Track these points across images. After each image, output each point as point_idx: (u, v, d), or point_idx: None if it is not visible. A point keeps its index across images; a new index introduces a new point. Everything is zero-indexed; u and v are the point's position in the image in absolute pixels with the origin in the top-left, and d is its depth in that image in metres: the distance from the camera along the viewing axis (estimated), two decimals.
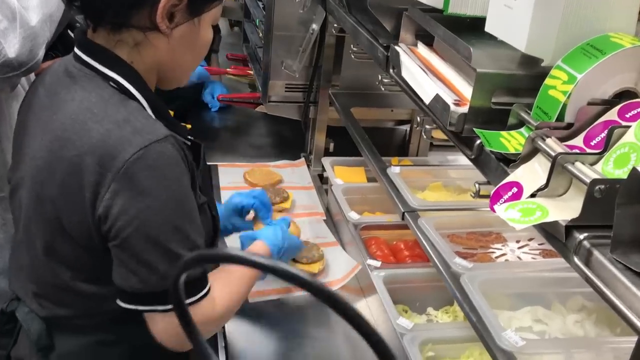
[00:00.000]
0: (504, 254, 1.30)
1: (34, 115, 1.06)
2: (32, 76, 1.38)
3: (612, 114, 0.77)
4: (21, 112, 1.12)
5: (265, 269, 0.38)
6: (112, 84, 0.98)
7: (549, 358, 1.00)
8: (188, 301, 0.99)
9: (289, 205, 1.87)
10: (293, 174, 2.08)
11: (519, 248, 1.33)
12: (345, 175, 1.90)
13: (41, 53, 1.26)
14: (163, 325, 0.99)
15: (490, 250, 1.31)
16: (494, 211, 0.75)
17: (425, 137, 1.28)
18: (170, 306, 0.95)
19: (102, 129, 0.93)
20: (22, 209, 1.06)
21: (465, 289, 1.06)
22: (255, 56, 2.27)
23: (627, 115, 0.75)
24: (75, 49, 1.02)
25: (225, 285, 1.07)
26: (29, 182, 1.02)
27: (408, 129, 2.19)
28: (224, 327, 1.38)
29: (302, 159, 2.16)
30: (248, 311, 1.41)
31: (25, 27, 1.21)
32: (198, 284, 1.00)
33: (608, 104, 0.78)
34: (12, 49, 1.19)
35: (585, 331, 1.11)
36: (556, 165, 0.71)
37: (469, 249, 1.29)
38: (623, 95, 0.79)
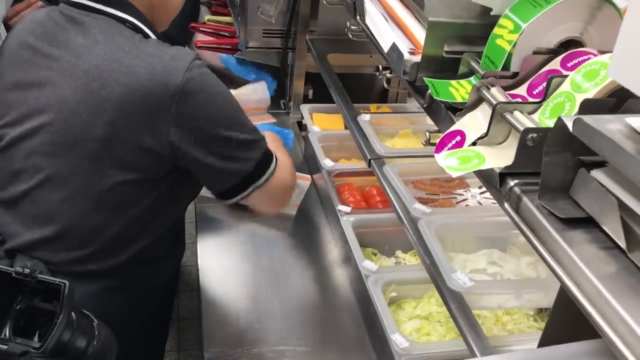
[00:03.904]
0: (465, 199, 1.33)
1: (34, 66, 1.06)
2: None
3: (555, 64, 0.78)
4: (5, 69, 1.11)
5: None
6: (128, 25, 1.06)
7: (497, 298, 1.04)
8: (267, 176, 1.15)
9: None
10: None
11: (480, 194, 1.35)
12: (323, 123, 1.91)
13: (1, 10, 1.26)
14: (256, 196, 1.15)
15: (452, 195, 1.34)
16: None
17: (385, 85, 1.29)
18: (264, 177, 1.15)
19: (143, 63, 1.00)
20: (39, 155, 1.06)
21: (422, 233, 1.09)
22: (233, 1, 2.23)
23: (569, 65, 0.76)
24: None
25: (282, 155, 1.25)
26: (57, 128, 1.03)
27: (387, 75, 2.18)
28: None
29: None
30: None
31: None
32: (268, 159, 1.14)
33: (553, 53, 0.79)
34: None
35: (537, 273, 1.16)
36: (495, 114, 0.73)
37: (431, 194, 1.32)
38: (570, 44, 0.80)
